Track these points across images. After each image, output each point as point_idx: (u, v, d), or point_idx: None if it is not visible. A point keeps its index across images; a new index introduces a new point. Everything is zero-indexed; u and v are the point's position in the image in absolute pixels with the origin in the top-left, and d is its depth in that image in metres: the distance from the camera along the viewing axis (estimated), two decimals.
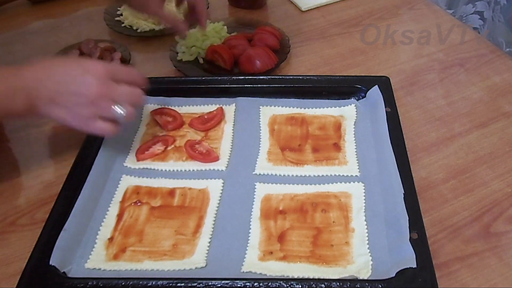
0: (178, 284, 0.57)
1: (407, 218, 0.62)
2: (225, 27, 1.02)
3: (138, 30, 1.05)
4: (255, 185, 0.71)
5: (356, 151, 0.76)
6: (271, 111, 0.83)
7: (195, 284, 0.57)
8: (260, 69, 0.91)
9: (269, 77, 0.87)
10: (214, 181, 0.72)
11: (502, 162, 0.76)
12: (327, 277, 0.59)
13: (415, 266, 0.57)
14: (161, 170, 0.74)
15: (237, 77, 0.87)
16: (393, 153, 0.71)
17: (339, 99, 0.84)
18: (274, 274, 0.60)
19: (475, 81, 0.92)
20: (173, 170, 0.74)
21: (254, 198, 0.69)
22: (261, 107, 0.83)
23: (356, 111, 0.81)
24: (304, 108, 0.83)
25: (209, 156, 0.75)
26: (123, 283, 0.57)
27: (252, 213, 0.67)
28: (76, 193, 0.68)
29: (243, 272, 0.60)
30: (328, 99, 0.84)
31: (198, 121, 0.81)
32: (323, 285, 0.56)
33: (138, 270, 0.61)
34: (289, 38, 1.00)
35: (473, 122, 0.83)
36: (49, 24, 1.11)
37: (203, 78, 0.87)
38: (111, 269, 0.61)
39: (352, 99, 0.84)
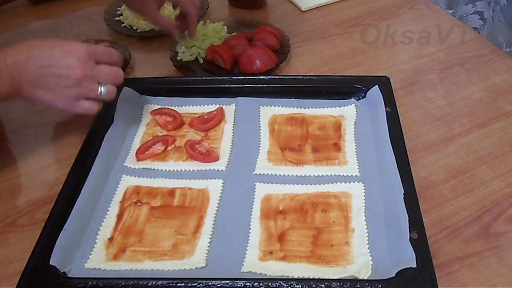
0: (178, 284, 0.57)
1: (407, 218, 0.62)
2: (225, 27, 1.02)
3: (138, 30, 1.05)
4: (255, 185, 0.71)
5: (356, 151, 0.76)
6: (271, 111, 0.83)
7: (195, 284, 0.57)
8: (260, 69, 0.91)
9: (269, 77, 0.87)
10: (214, 181, 0.72)
11: (502, 162, 0.76)
12: (327, 277, 0.59)
13: (415, 266, 0.57)
14: (161, 170, 0.74)
15: (237, 77, 0.87)
16: (393, 153, 0.71)
17: (339, 99, 0.84)
18: (274, 274, 0.60)
19: (475, 81, 0.92)
20: (173, 170, 0.74)
21: (254, 198, 0.69)
22: (261, 107, 0.83)
23: (356, 111, 0.82)
24: (304, 108, 0.83)
25: (209, 156, 0.75)
26: (123, 283, 0.57)
27: (252, 213, 0.67)
28: (76, 193, 0.68)
29: (243, 272, 0.60)
30: (328, 99, 0.84)
31: (198, 121, 0.81)
32: (323, 285, 0.56)
33: (138, 270, 0.61)
34: (289, 38, 1.00)
35: (473, 122, 0.83)
36: (49, 24, 1.11)
37: (203, 78, 0.87)
38: (111, 269, 0.61)
39: (352, 99, 0.84)
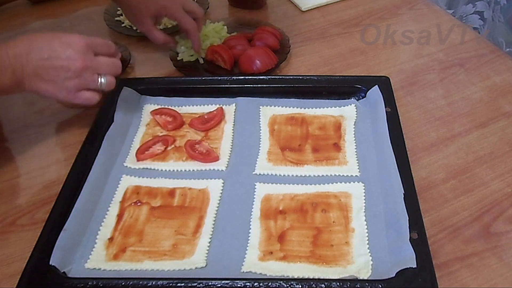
0: (178, 284, 0.57)
1: (407, 218, 0.62)
2: (225, 27, 1.02)
3: (138, 30, 1.05)
4: (255, 185, 0.71)
5: (356, 151, 0.76)
6: (271, 111, 0.83)
7: (195, 284, 0.57)
8: (260, 69, 0.91)
9: (269, 77, 0.87)
10: (214, 181, 0.72)
11: (502, 162, 0.76)
12: (327, 277, 0.59)
13: (415, 266, 0.57)
14: (161, 170, 0.74)
15: (237, 77, 0.87)
16: (393, 153, 0.71)
17: (339, 99, 0.84)
18: (274, 274, 0.60)
19: (475, 81, 0.92)
20: (173, 170, 0.74)
21: (254, 198, 0.69)
22: (261, 107, 0.83)
23: (356, 111, 0.82)
24: (304, 108, 0.83)
25: (209, 156, 0.75)
26: (123, 283, 0.57)
27: (252, 213, 0.67)
28: (76, 193, 0.68)
29: (243, 272, 0.60)
30: (328, 99, 0.84)
31: (198, 121, 0.81)
32: (323, 285, 0.56)
33: (138, 270, 0.61)
34: (289, 38, 1.00)
35: (473, 122, 0.83)
36: (49, 24, 1.11)
37: (203, 78, 0.87)
38: (111, 269, 0.61)
39: (352, 99, 0.84)
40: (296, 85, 0.85)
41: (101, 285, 0.58)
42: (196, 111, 0.83)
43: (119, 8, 1.10)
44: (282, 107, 0.83)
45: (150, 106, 0.85)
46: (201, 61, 0.96)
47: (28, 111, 0.88)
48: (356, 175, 0.72)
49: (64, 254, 0.61)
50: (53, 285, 0.58)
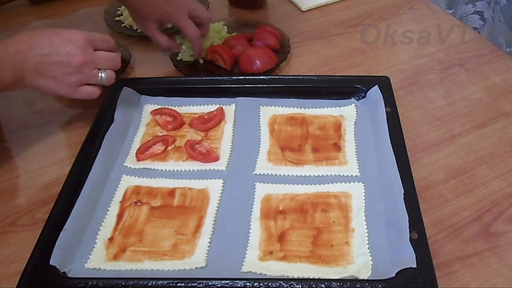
0: (178, 284, 0.57)
1: (407, 218, 0.62)
2: (225, 27, 1.02)
3: (138, 30, 1.05)
4: (255, 185, 0.71)
5: (356, 151, 0.76)
6: (271, 111, 0.83)
7: (195, 284, 0.57)
8: (260, 69, 0.91)
9: (269, 77, 0.87)
10: (214, 181, 0.72)
11: (502, 162, 0.76)
12: (327, 277, 0.59)
13: (415, 266, 0.57)
14: (161, 170, 0.74)
15: (237, 77, 0.87)
16: (393, 153, 0.71)
17: (339, 99, 0.84)
18: (274, 274, 0.60)
19: (475, 81, 0.92)
20: (173, 170, 0.74)
21: (254, 198, 0.69)
22: (261, 107, 0.83)
23: (356, 111, 0.82)
24: (304, 108, 0.83)
25: (209, 156, 0.75)
26: (123, 283, 0.57)
27: (252, 213, 0.67)
28: (76, 193, 0.68)
29: (243, 272, 0.60)
30: (328, 99, 0.84)
31: (198, 121, 0.81)
32: (323, 285, 0.56)
33: (138, 270, 0.61)
34: (289, 38, 1.00)
35: (473, 122, 0.83)
36: (49, 24, 1.11)
37: (203, 78, 0.87)
38: (111, 269, 0.61)
39: (352, 99, 0.84)
40: (296, 85, 0.85)
41: (101, 285, 0.58)
42: (196, 111, 0.83)
43: (119, 8, 1.11)
44: (282, 107, 0.83)
45: (150, 106, 0.84)
46: (201, 61, 0.96)
47: (28, 111, 0.88)
48: (356, 175, 0.72)
49: (64, 254, 0.61)
50: (53, 285, 0.58)
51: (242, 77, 0.87)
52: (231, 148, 0.77)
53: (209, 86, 0.86)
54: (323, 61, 0.98)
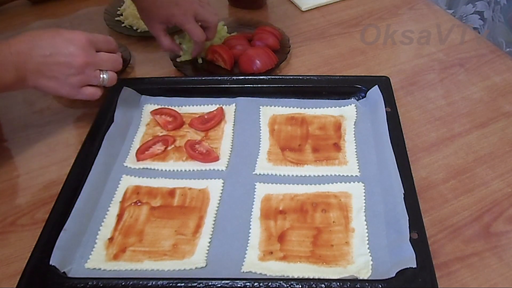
0: (178, 284, 0.57)
1: (407, 218, 0.62)
2: (225, 27, 1.02)
3: (138, 30, 1.05)
4: (255, 185, 0.71)
5: (356, 151, 0.76)
6: (271, 111, 0.83)
7: (195, 284, 0.57)
8: (260, 69, 0.91)
9: (269, 77, 0.87)
10: (214, 181, 0.72)
11: (502, 162, 0.76)
12: (327, 277, 0.59)
13: (415, 266, 0.57)
14: (161, 170, 0.74)
15: (237, 77, 0.87)
16: (393, 153, 0.71)
17: (339, 99, 0.84)
18: (274, 274, 0.60)
19: (475, 81, 0.92)
20: (173, 170, 0.74)
21: (254, 198, 0.69)
22: (261, 107, 0.83)
23: (356, 111, 0.82)
24: (304, 108, 0.83)
25: (209, 156, 0.75)
26: (123, 283, 0.57)
27: (252, 213, 0.67)
28: (76, 193, 0.68)
29: (243, 272, 0.60)
30: (328, 99, 0.84)
31: (198, 121, 0.81)
32: (323, 285, 0.56)
33: (138, 270, 0.61)
34: (289, 38, 1.00)
35: (473, 122, 0.83)
36: (49, 24, 1.11)
37: (203, 78, 0.87)
38: (111, 269, 0.61)
39: (352, 99, 0.84)
40: (296, 85, 0.85)
41: (101, 285, 0.58)
42: (196, 111, 0.83)
43: (119, 8, 1.11)
44: (282, 107, 0.83)
45: (150, 106, 0.84)
46: (200, 60, 0.96)
47: (28, 111, 0.88)
48: (356, 175, 0.72)
49: (64, 254, 0.61)
50: (53, 285, 0.58)
51: (242, 77, 0.87)
52: (231, 148, 0.77)
53: (209, 86, 0.86)
54: (323, 61, 0.98)
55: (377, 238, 0.63)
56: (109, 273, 0.61)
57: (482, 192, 0.72)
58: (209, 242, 0.64)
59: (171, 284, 0.57)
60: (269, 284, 0.57)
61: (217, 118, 0.81)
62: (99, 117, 0.80)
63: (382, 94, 0.81)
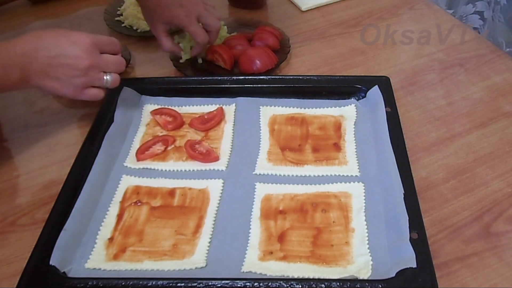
0: (178, 284, 0.57)
1: (407, 218, 0.62)
2: (225, 27, 1.02)
3: (138, 30, 1.05)
4: (255, 185, 0.71)
5: (356, 151, 0.76)
6: (271, 111, 0.83)
7: (195, 284, 0.57)
8: (260, 69, 0.91)
9: (269, 77, 0.87)
10: (214, 181, 0.72)
11: (502, 162, 0.76)
12: (327, 277, 0.59)
13: (415, 266, 0.57)
14: (161, 170, 0.74)
15: (237, 77, 0.87)
16: (393, 153, 0.71)
17: (339, 99, 0.84)
18: (274, 274, 0.60)
19: (475, 81, 0.92)
20: (173, 170, 0.74)
21: (254, 198, 0.69)
22: (261, 107, 0.83)
23: (356, 111, 0.82)
24: (304, 108, 0.83)
25: (209, 156, 0.75)
26: (123, 283, 0.57)
27: (252, 213, 0.67)
28: (76, 193, 0.68)
29: (243, 272, 0.60)
30: (328, 99, 0.84)
31: (198, 121, 0.81)
32: (323, 285, 0.56)
33: (138, 270, 0.61)
34: (289, 38, 1.00)
35: (473, 122, 0.83)
36: (49, 24, 1.11)
37: (203, 78, 0.87)
38: (111, 269, 0.61)
39: (352, 99, 0.84)
40: (296, 85, 0.85)
41: (101, 285, 0.58)
42: (196, 111, 0.83)
43: (119, 8, 1.11)
44: (282, 107, 0.83)
45: (150, 106, 0.85)
46: (200, 60, 0.96)
47: (28, 111, 0.88)
48: (356, 175, 0.72)
49: (64, 254, 0.61)
50: (53, 285, 0.58)
51: (242, 77, 0.87)
52: (231, 148, 0.77)
53: (209, 86, 0.86)
54: (323, 61, 0.98)
55: (377, 238, 0.63)
56: (109, 273, 0.61)
57: (482, 192, 0.72)
58: (209, 242, 0.64)
59: (171, 284, 0.57)
60: (269, 284, 0.57)
61: (217, 118, 0.81)
62: (99, 117, 0.80)
63: (382, 94, 0.81)
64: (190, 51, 0.95)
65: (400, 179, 0.67)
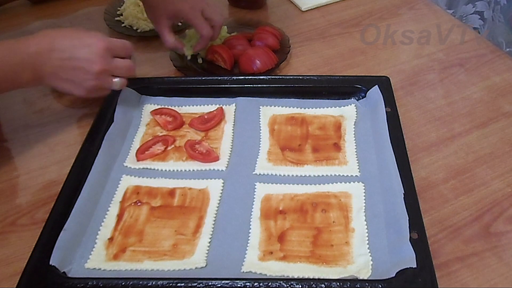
0: (178, 284, 0.57)
1: (407, 218, 0.62)
2: (225, 27, 1.02)
3: (138, 30, 1.05)
4: (255, 185, 0.71)
5: (356, 151, 0.76)
6: (271, 111, 0.83)
7: (195, 284, 0.57)
8: (260, 69, 0.91)
9: (269, 77, 0.87)
10: (214, 181, 0.72)
11: (502, 162, 0.76)
12: (327, 277, 0.59)
13: (415, 266, 0.57)
14: (161, 170, 0.74)
15: (237, 77, 0.87)
16: (393, 153, 0.71)
17: (339, 99, 0.84)
18: (274, 274, 0.60)
19: (475, 81, 0.92)
20: (173, 170, 0.74)
21: (254, 198, 0.69)
22: (261, 107, 0.83)
23: (356, 111, 0.82)
24: (304, 108, 0.83)
25: (209, 156, 0.75)
26: (123, 283, 0.57)
27: (252, 213, 0.67)
28: (76, 193, 0.68)
29: (243, 272, 0.60)
30: (328, 99, 0.84)
31: (198, 121, 0.81)
32: (323, 285, 0.56)
33: (138, 270, 0.61)
34: (289, 38, 1.00)
35: (473, 122, 0.83)
36: (49, 24, 1.11)
37: (203, 78, 0.87)
38: (111, 269, 0.61)
39: (352, 99, 0.84)
40: (296, 85, 0.85)
41: (101, 285, 0.58)
42: (196, 111, 0.83)
43: (119, 8, 1.10)
44: (282, 107, 0.83)
45: (150, 106, 0.85)
46: (200, 60, 0.96)
47: (28, 111, 0.88)
48: (356, 175, 0.72)
49: (64, 254, 0.61)
50: (53, 285, 0.58)
51: (242, 77, 0.87)
52: (231, 148, 0.77)
53: (209, 86, 0.86)
54: (323, 61, 0.98)
55: (377, 238, 0.63)
56: (109, 273, 0.61)
57: (482, 192, 0.72)
58: (209, 242, 0.64)
59: (171, 284, 0.57)
60: (269, 284, 0.57)
61: (217, 118, 0.81)
62: (99, 117, 0.80)
63: (382, 94, 0.81)
64: (192, 48, 0.94)
65: (400, 179, 0.67)
